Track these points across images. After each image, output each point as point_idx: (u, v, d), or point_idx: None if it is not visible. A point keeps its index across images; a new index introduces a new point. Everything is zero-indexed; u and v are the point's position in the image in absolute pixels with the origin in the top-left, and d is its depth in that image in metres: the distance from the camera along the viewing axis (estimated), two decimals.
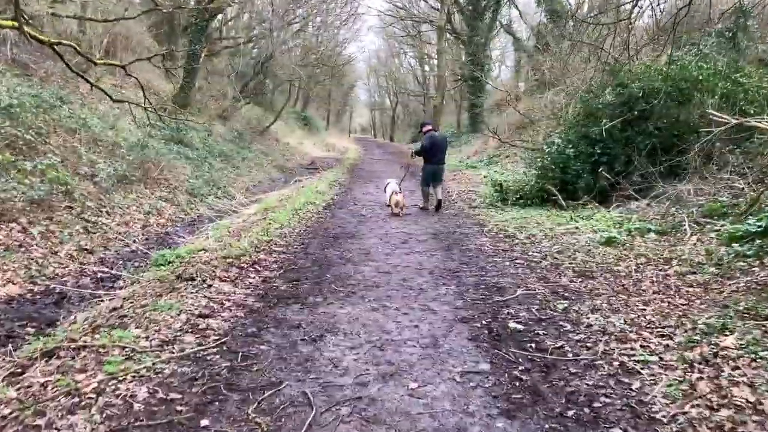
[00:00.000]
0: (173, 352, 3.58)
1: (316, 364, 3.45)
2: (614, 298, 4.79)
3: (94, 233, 8.51)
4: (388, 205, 10.03)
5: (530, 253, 6.54)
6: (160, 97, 18.26)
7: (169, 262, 6.36)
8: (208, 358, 3.53)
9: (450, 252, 6.80)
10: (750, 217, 6.59)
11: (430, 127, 10.49)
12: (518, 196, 10.49)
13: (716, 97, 9.10)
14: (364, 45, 68.37)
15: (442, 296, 4.96)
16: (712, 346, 3.39)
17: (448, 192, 13.26)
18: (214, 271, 5.42)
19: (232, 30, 28.82)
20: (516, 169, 15.62)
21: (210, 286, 5.01)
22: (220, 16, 25.51)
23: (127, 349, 3.60)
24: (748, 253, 5.70)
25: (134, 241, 8.73)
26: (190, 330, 3.97)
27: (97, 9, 17.07)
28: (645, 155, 9.41)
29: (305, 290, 5.07)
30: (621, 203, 9.12)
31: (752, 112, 8.82)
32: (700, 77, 9.33)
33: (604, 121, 9.87)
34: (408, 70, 58.24)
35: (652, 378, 3.15)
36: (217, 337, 3.86)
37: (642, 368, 3.28)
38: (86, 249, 7.98)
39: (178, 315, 4.24)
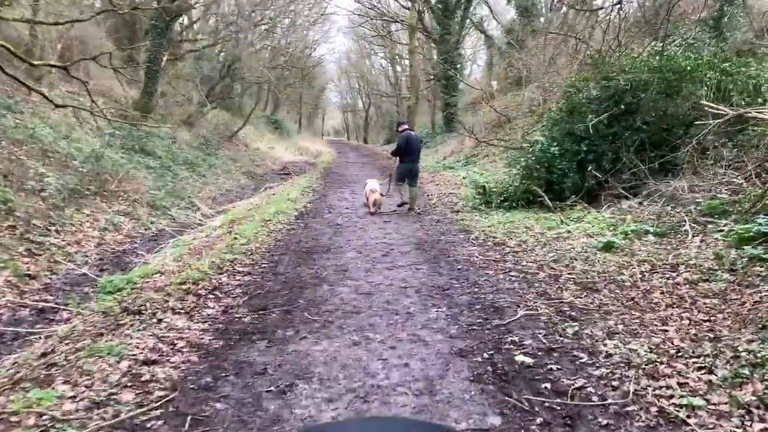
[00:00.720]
0: (105, 418, 2.85)
1: (285, 428, 2.75)
2: (627, 316, 4.20)
3: (39, 255, 7.63)
4: (366, 204, 10.15)
5: (524, 263, 5.94)
6: (120, 104, 17.30)
7: (119, 289, 5.58)
8: (148, 425, 2.80)
9: (437, 265, 6.15)
10: (757, 215, 6.11)
11: (406, 126, 10.59)
12: (502, 198, 9.92)
13: (706, 88, 8.66)
14: (335, 47, 67.59)
15: (433, 322, 4.30)
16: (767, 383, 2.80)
17: (428, 196, 12.65)
18: (166, 301, 4.67)
19: (198, 33, 27.83)
20: (495, 169, 15.12)
21: (161, 320, 4.27)
22: (184, 19, 24.57)
23: (45, 417, 2.85)
24: (764, 256, 5.19)
25: (86, 263, 7.88)
26: (130, 383, 3.23)
27: (49, 13, 16.05)
28: (633, 151, 8.93)
29: (273, 321, 4.36)
30: (611, 203, 8.61)
31: (743, 102, 8.41)
32: (688, 67, 8.88)
33: (590, 116, 9.38)
34: (379, 71, 57.71)
35: (705, 430, 2.53)
36: (162, 393, 3.13)
37: (688, 415, 2.66)
38: (29, 274, 7.12)
39: (118, 362, 3.50)
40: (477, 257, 6.36)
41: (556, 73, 18.13)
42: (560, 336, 3.88)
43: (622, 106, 9.04)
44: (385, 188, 10.69)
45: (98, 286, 6.26)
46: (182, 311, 4.50)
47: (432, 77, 34.40)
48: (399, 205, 10.36)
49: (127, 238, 9.34)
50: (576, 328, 3.96)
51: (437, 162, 21.40)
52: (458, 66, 31.81)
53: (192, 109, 21.83)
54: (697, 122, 8.02)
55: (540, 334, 3.92)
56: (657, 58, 9.40)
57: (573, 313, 4.32)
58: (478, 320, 4.29)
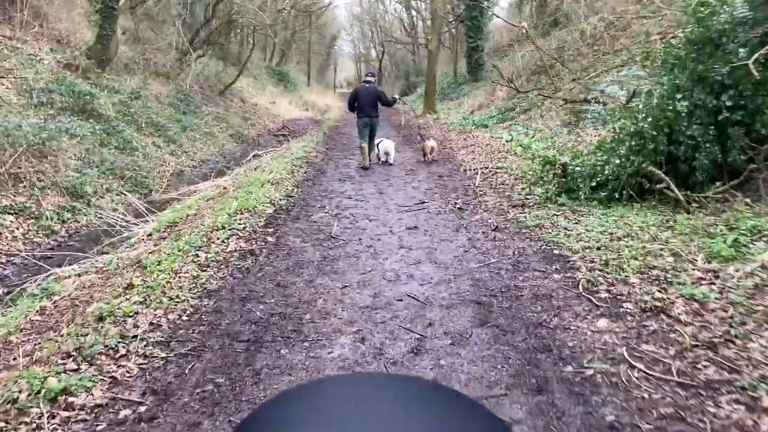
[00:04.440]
0: None
1: None
2: None
3: None
4: (378, 159, 10.03)
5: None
6: (72, 48, 13.70)
7: None
8: None
9: (544, 390, 2.64)
10: None
11: (366, 79, 10.31)
12: (594, 184, 6.29)
13: None
14: None
15: None
16: None
17: (465, 171, 9.04)
18: None
19: None
20: (550, 131, 11.36)
21: None
22: None
23: None
24: None
25: None
26: None
27: None
28: None
29: None
30: None
31: None
32: None
33: (740, 51, 5.72)
34: (393, 16, 52.96)
35: None
36: None
37: None
38: None
39: None
40: (623, 365, 2.82)
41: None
42: None
43: None
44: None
45: None
46: None
47: (455, 18, 30.02)
48: (364, 168, 9.59)
49: (3, 252, 5.95)
50: None
51: (464, 118, 17.58)
52: (486, 3, 27.40)
53: (170, 57, 18.12)
54: None
55: None
56: None
57: None
58: None
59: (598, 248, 4.60)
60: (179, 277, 4.07)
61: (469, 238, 5.26)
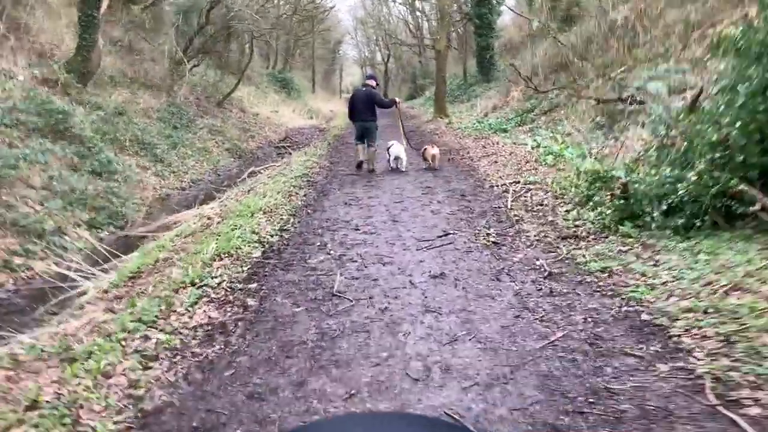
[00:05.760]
0: None
1: None
2: None
3: None
4: (389, 165, 9.64)
5: None
6: (54, 63, 12.59)
7: None
8: None
9: None
10: None
11: (366, 82, 9.90)
12: (665, 207, 4.93)
13: None
14: None
15: None
16: None
17: (492, 187, 7.71)
18: None
19: None
20: (587, 134, 9.99)
21: None
22: None
23: None
24: None
25: None
26: None
27: None
28: None
29: None
30: None
31: None
32: None
33: None
34: (398, 18, 51.75)
35: None
36: None
37: None
38: None
39: None
40: None
41: None
42: None
43: None
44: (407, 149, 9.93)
45: None
46: None
47: (463, 16, 28.72)
48: (357, 167, 9.66)
49: None
50: None
51: (479, 121, 16.22)
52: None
53: (162, 68, 16.96)
54: None
55: None
56: None
57: None
58: None
59: (705, 311, 3.26)
60: (108, 387, 2.77)
61: (517, 291, 3.93)
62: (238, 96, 21.92)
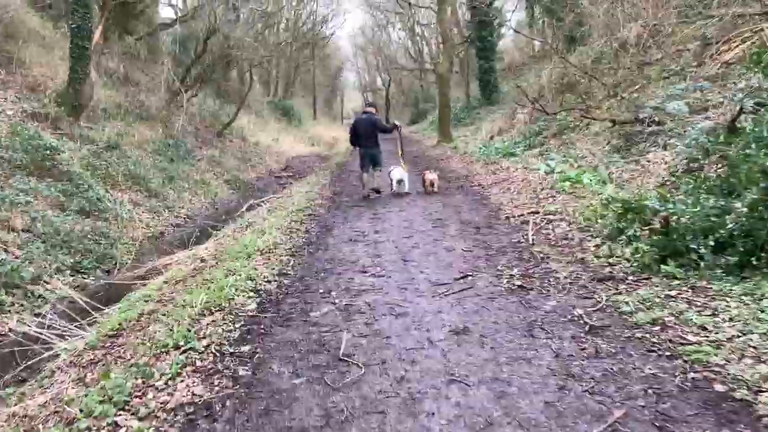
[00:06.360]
0: None
1: None
2: None
3: None
4: (390, 187, 9.61)
5: None
6: (45, 96, 12.23)
7: None
8: None
9: None
10: None
11: (365, 109, 10.09)
12: (714, 242, 4.34)
13: None
14: (347, 23, 61.92)
15: None
16: None
17: (508, 218, 7.14)
18: None
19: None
20: (603, 158, 9.45)
21: None
22: None
23: None
24: None
25: None
26: None
27: None
28: None
29: None
30: None
31: None
32: None
33: None
34: (398, 43, 51.96)
35: None
36: None
37: None
38: None
39: None
40: None
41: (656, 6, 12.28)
42: None
43: None
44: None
45: None
46: None
47: (464, 39, 28.55)
48: (364, 198, 9.56)
49: None
50: None
51: (485, 146, 15.72)
52: (496, 21, 25.87)
53: (159, 99, 16.60)
54: None
55: None
56: None
57: None
58: None
59: None
60: None
61: (556, 352, 3.32)
62: (238, 125, 21.56)
